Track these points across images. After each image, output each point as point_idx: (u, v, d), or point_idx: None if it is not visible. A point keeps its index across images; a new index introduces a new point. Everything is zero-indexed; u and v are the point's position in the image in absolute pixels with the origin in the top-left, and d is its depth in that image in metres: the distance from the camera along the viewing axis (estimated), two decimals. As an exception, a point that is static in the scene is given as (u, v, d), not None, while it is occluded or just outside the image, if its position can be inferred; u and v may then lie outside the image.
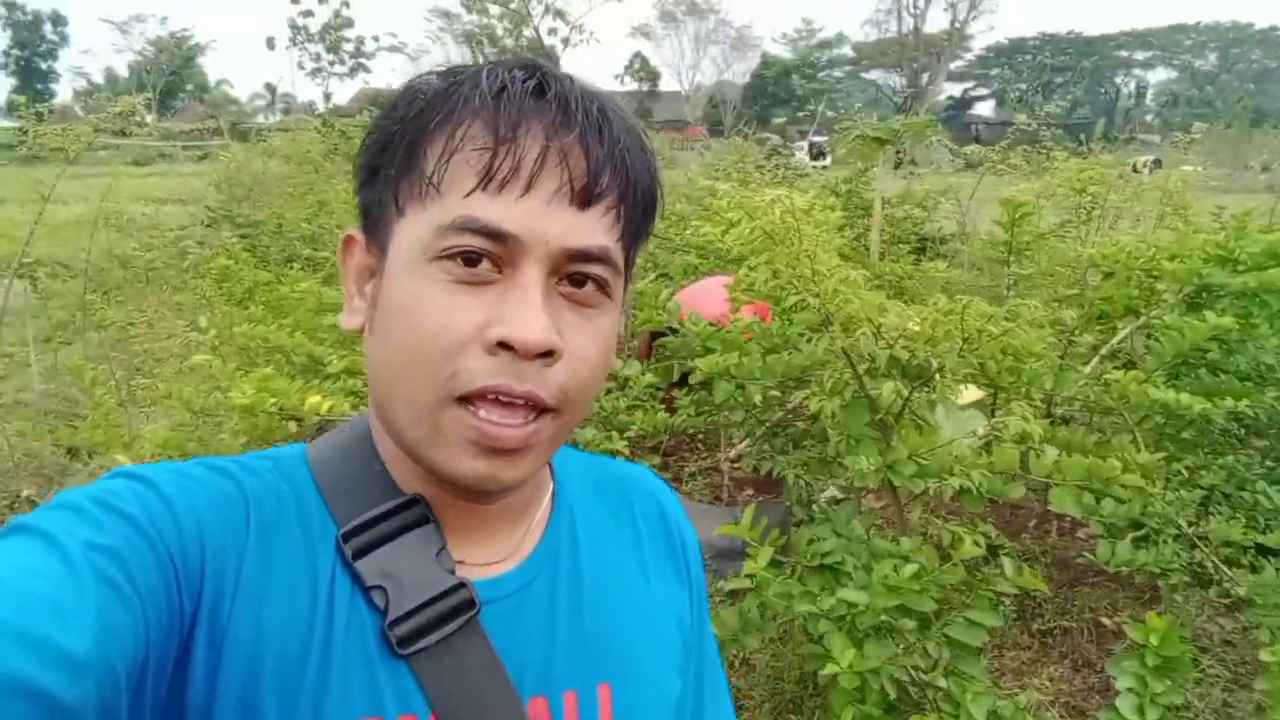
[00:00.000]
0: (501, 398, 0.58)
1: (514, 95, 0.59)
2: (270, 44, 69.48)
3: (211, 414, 3.60)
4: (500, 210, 0.58)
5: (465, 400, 0.59)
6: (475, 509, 0.67)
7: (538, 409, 0.60)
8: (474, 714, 0.61)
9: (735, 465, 3.38)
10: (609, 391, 3.48)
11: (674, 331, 2.81)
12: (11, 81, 60.17)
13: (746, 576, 2.03)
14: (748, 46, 65.77)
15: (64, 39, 64.08)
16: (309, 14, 63.12)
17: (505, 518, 0.69)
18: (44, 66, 62.85)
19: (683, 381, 2.81)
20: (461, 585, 0.63)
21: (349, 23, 65.00)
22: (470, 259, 0.58)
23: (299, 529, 0.62)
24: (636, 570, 0.75)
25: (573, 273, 0.61)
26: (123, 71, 61.73)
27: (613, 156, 0.60)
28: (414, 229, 0.60)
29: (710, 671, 0.81)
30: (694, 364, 2.42)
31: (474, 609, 0.63)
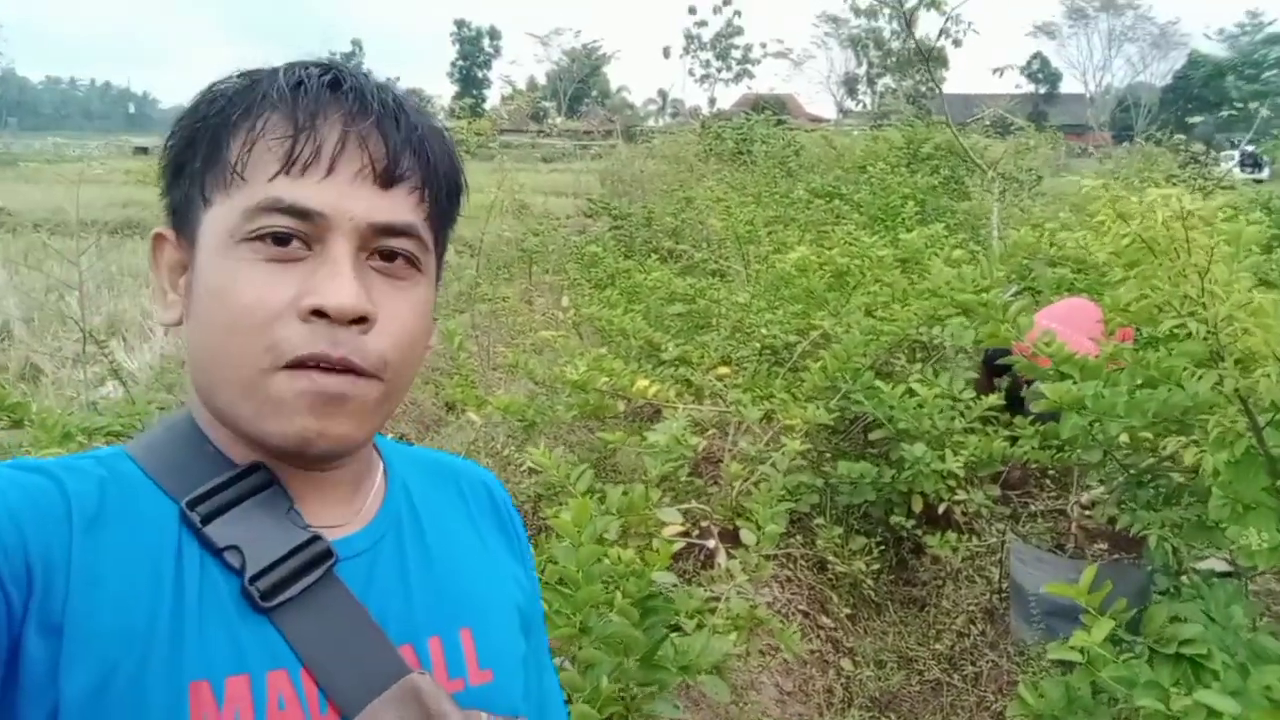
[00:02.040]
0: (321, 364, 0.60)
1: (311, 89, 0.63)
2: (665, 53, 74.12)
3: (551, 386, 3.85)
4: (304, 190, 0.61)
5: (288, 368, 0.60)
6: (313, 476, 0.67)
7: (357, 373, 0.62)
8: (346, 662, 0.61)
9: (1087, 513, 2.91)
10: (942, 411, 3.18)
11: (1006, 353, 2.46)
12: (454, 89, 70.42)
13: (1076, 648, 1.71)
14: (1172, 44, 57.80)
15: (498, 51, 73.79)
16: (703, 24, 66.48)
17: (343, 485, 0.70)
18: (480, 75, 72.83)
19: (1015, 405, 2.46)
20: (317, 538, 0.64)
21: (739, 31, 67.46)
22: (280, 238, 0.61)
23: (129, 514, 0.61)
24: (472, 534, 0.78)
25: (382, 248, 0.64)
26: (541, 79, 69.61)
27: (411, 141, 0.64)
28: (221, 216, 0.62)
29: (546, 653, 0.84)
30: (1040, 389, 2.09)
31: (332, 559, 0.64)
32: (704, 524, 3.22)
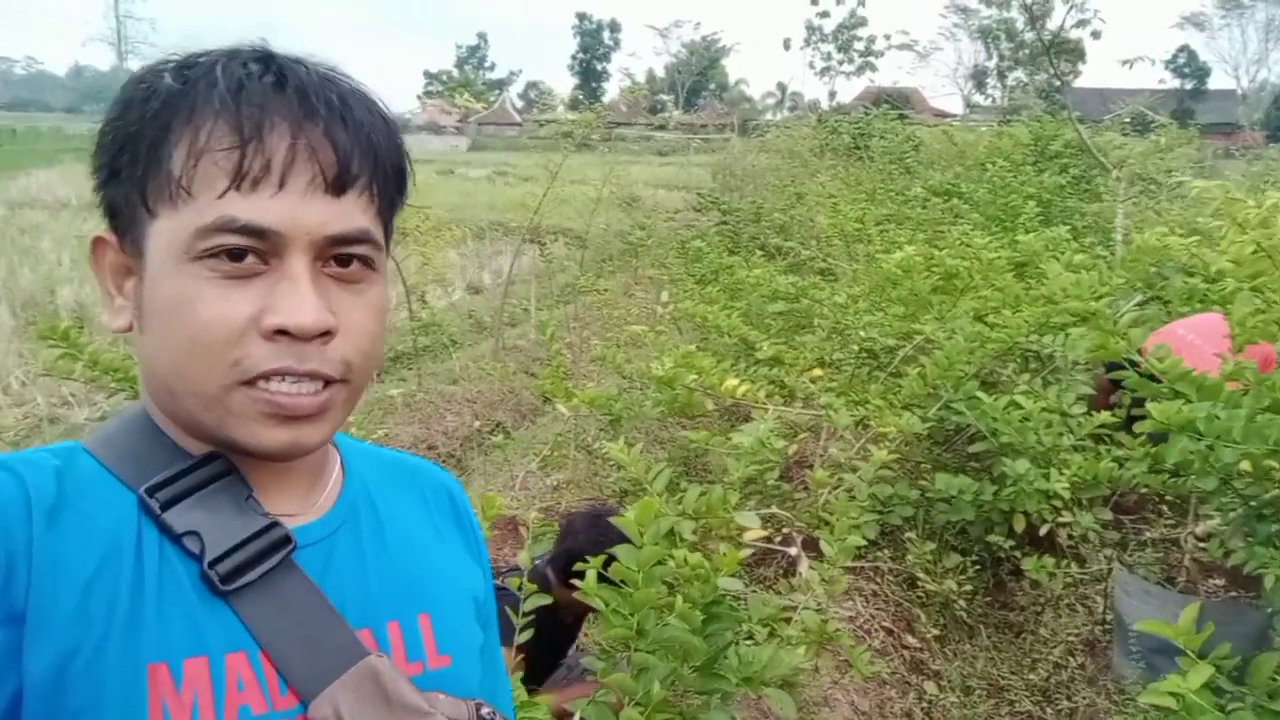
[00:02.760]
0: (288, 377, 0.60)
1: (253, 92, 0.60)
2: (786, 45, 73.25)
3: (639, 381, 3.82)
4: (256, 207, 0.59)
5: (250, 383, 0.60)
6: (272, 467, 0.67)
7: (325, 381, 0.62)
8: (304, 645, 0.62)
9: (1202, 544, 2.68)
10: (1049, 425, 2.99)
11: (1133, 365, 2.28)
12: (574, 81, 71.35)
13: (1169, 694, 1.56)
14: (1342, 35, 53.21)
15: (617, 44, 74.36)
16: (825, 15, 65.24)
17: (301, 476, 0.70)
18: (599, 68, 73.59)
19: (1133, 425, 2.28)
20: (275, 524, 0.65)
21: (862, 22, 65.87)
22: (235, 254, 0.59)
23: (87, 503, 0.62)
24: (429, 528, 0.78)
25: (337, 254, 0.63)
26: (660, 72, 69.76)
27: (360, 142, 0.62)
28: (170, 231, 0.60)
29: (497, 649, 0.84)
30: (1147, 409, 1.93)
31: (290, 544, 0.64)
32: (787, 530, 3.14)
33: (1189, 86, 55.52)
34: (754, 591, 2.92)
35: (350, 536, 0.71)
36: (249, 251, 0.60)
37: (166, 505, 0.62)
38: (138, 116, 0.61)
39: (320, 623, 0.63)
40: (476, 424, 4.71)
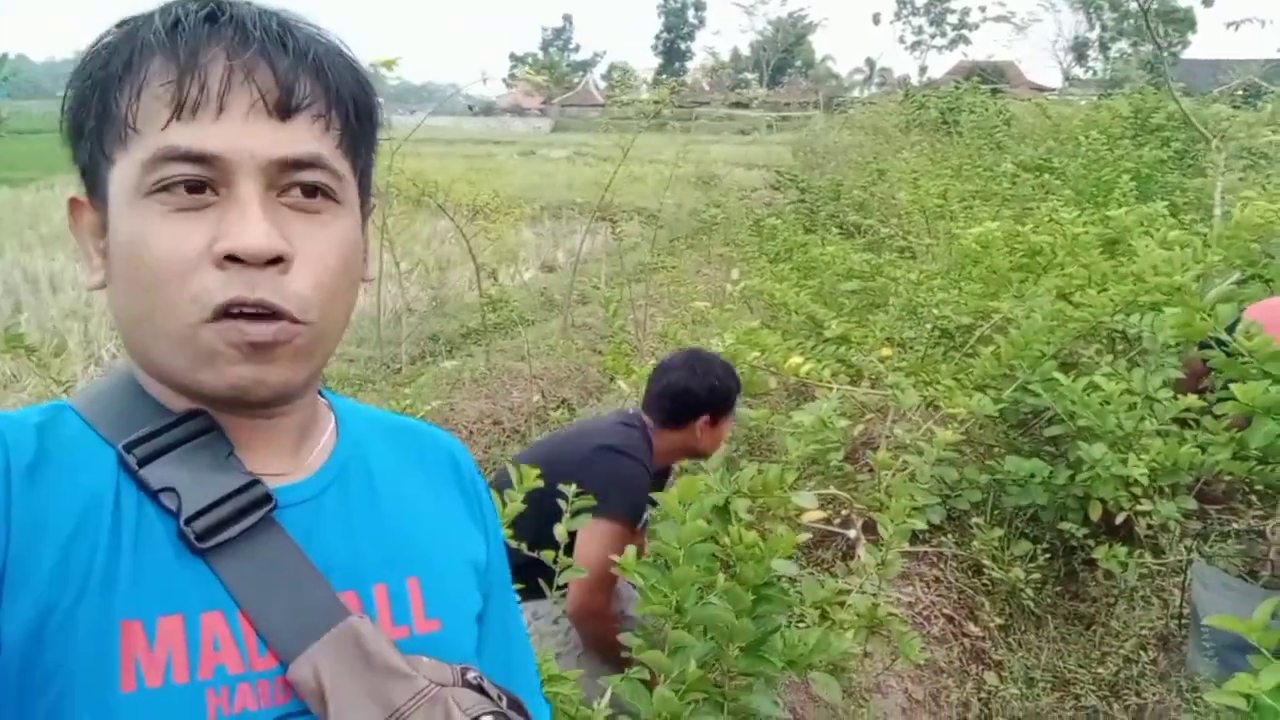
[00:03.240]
0: (245, 310, 0.59)
1: (188, 26, 0.60)
2: (875, 19, 71.14)
3: (700, 358, 3.77)
4: (198, 134, 0.59)
5: (214, 319, 0.59)
6: (258, 424, 0.67)
7: (282, 318, 0.60)
8: (283, 605, 0.61)
9: (1292, 537, 2.50)
10: (1131, 408, 2.83)
11: (1221, 345, 2.13)
12: (658, 61, 71.00)
13: (1240, 694, 1.46)
14: None
15: (702, 22, 73.67)
16: (919, -13, 63.28)
17: (288, 434, 0.69)
18: (683, 47, 73.06)
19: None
20: (256, 482, 0.64)
21: (958, -7, 63.67)
22: (188, 186, 0.59)
23: (67, 459, 0.61)
24: (427, 489, 0.77)
25: (295, 182, 0.61)
26: (745, 50, 68.86)
27: (303, 66, 0.61)
28: (123, 171, 0.60)
29: (516, 622, 0.83)
30: (1229, 391, 1.79)
31: (270, 503, 0.64)
32: (847, 512, 3.06)
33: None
34: (810, 574, 2.86)
35: (338, 496, 0.70)
36: (197, 182, 0.59)
37: (144, 461, 0.62)
38: (89, 71, 0.62)
39: (302, 583, 0.63)
40: (539, 400, 4.73)
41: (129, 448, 0.62)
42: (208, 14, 0.61)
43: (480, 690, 0.66)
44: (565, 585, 1.92)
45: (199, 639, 0.59)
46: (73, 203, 0.67)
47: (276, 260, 0.60)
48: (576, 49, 78.49)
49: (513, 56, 77.36)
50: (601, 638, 2.04)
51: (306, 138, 0.61)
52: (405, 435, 0.80)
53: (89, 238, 0.66)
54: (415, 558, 0.71)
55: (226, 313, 0.59)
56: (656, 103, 6.36)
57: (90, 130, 0.62)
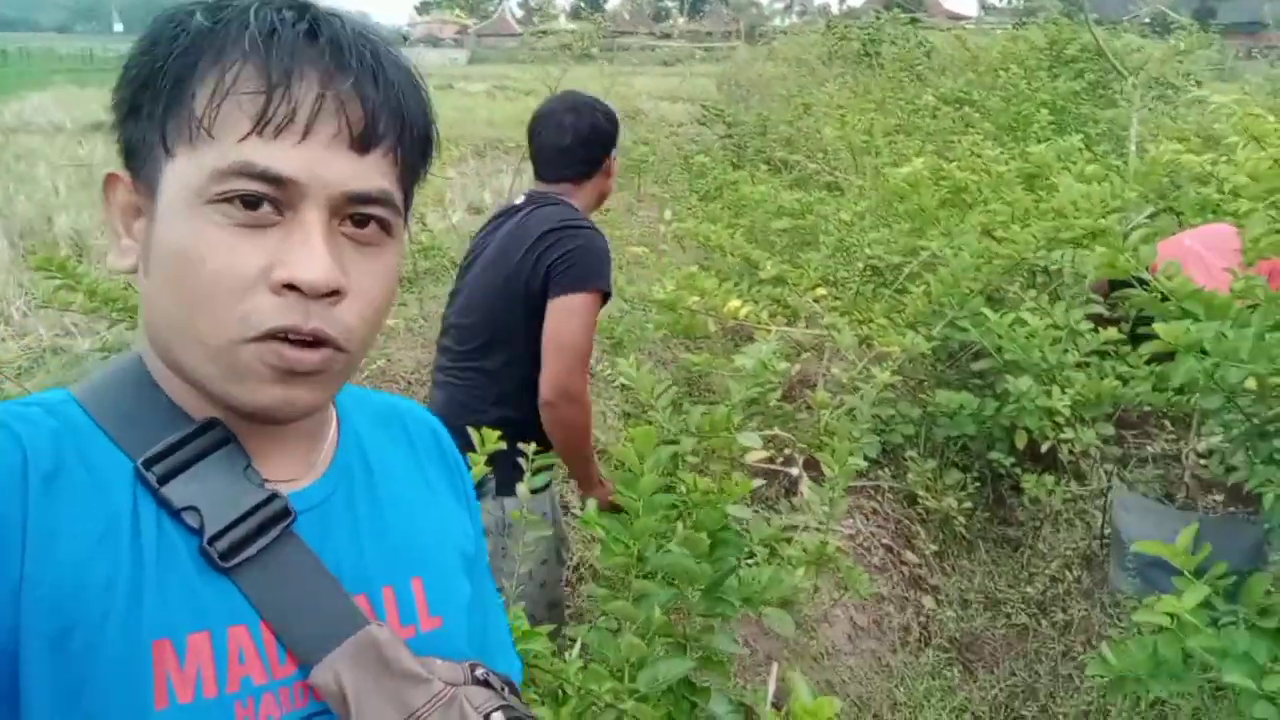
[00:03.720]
0: (291, 336, 0.59)
1: (285, 39, 0.58)
2: (796, -54, 70.46)
3: (639, 304, 3.79)
4: (277, 155, 0.58)
5: (257, 339, 0.59)
6: (270, 431, 0.66)
7: (328, 345, 0.61)
8: (305, 615, 0.62)
9: (1203, 461, 2.68)
10: (1054, 342, 2.96)
11: (1142, 284, 2.24)
12: (577, -11, 69.17)
13: (1166, 613, 1.58)
14: (1377, -75, 50.82)
15: (621, -51, 71.71)
16: (837, -87, 62.63)
17: (299, 439, 0.70)
18: (603, -26, 71.18)
19: (1135, 340, 2.25)
20: (275, 496, 0.64)
21: (875, -80, 63.43)
22: (249, 202, 0.58)
23: (83, 468, 0.60)
24: (421, 482, 0.79)
25: (354, 214, 0.61)
26: (664, -23, 67.38)
27: (389, 101, 0.61)
28: (186, 171, 0.59)
29: (490, 592, 0.86)
30: (1153, 329, 1.89)
31: (290, 517, 0.64)
32: (789, 451, 3.15)
33: (1213, -17, 53.44)
34: (756, 511, 2.95)
35: (345, 500, 0.71)
36: (264, 200, 0.58)
37: (165, 478, 0.61)
38: (165, 53, 0.60)
39: (320, 592, 0.64)
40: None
41: (148, 464, 0.61)
42: (307, 29, 0.59)
43: (488, 685, 0.68)
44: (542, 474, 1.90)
45: (225, 653, 0.60)
46: (110, 178, 0.65)
47: (332, 293, 0.60)
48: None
49: (424, -16, 74.44)
50: (576, 426, 1.97)
51: (377, 173, 0.62)
52: (394, 419, 0.81)
53: (121, 216, 0.65)
54: (417, 558, 0.73)
55: (269, 337, 0.59)
56: (583, 38, 6.21)
57: (152, 114, 0.60)
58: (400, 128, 0.63)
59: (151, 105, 0.60)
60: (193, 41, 0.59)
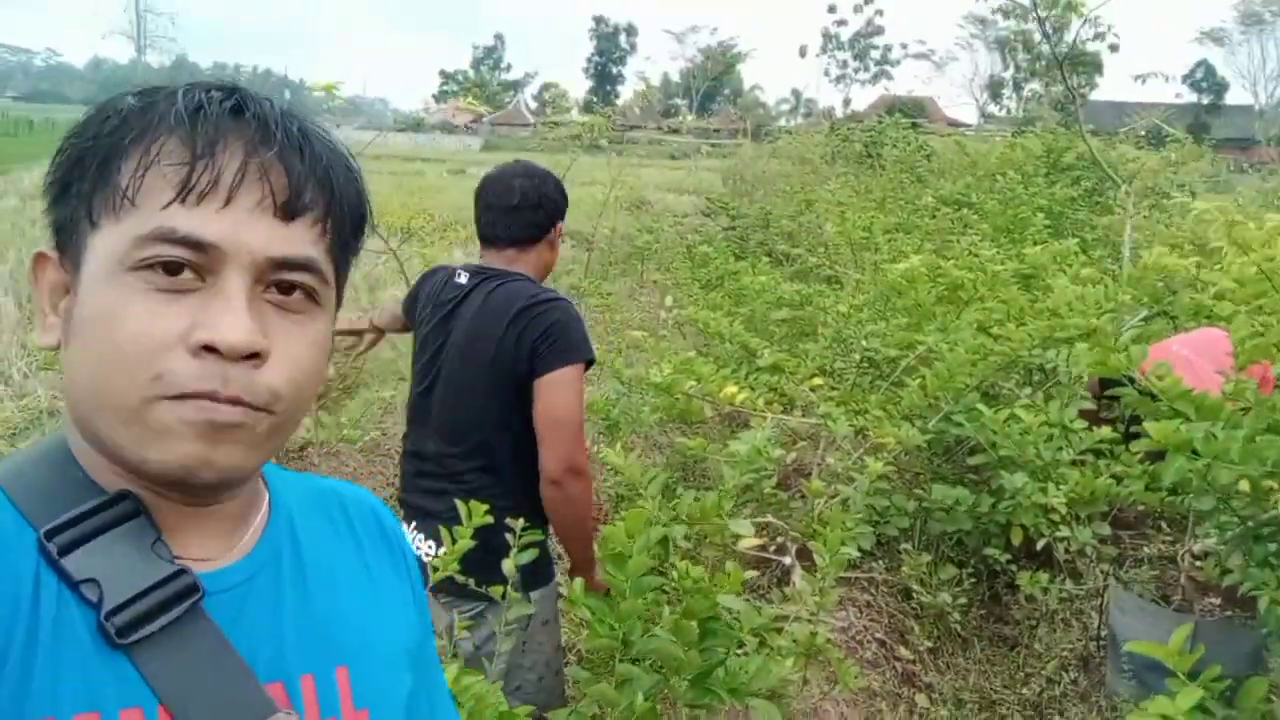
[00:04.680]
0: (208, 401, 0.58)
1: (211, 114, 0.60)
2: (802, 52, 73.02)
3: (636, 387, 3.81)
4: (199, 221, 0.58)
5: (172, 399, 0.58)
6: (191, 510, 0.64)
7: (249, 408, 0.59)
8: (207, 700, 0.59)
9: (1198, 563, 2.66)
10: (1049, 439, 2.97)
11: (1133, 382, 2.26)
12: (589, 83, 71.44)
13: (1158, 715, 1.54)
14: (1362, 52, 52.79)
15: (633, 47, 74.47)
16: (842, 23, 65.24)
17: (222, 520, 0.67)
18: (615, 71, 73.65)
19: (1130, 440, 2.26)
20: (183, 571, 0.61)
21: (879, 30, 65.83)
22: (171, 268, 0.58)
23: None
24: (359, 567, 0.75)
25: (278, 281, 0.61)
26: (675, 76, 69.77)
27: (315, 172, 0.62)
28: (109, 240, 0.59)
29: (439, 683, 0.83)
30: (1144, 428, 1.90)
31: (197, 594, 0.61)
32: (781, 539, 3.12)
33: (1206, 101, 55.27)
34: (747, 600, 2.90)
35: (269, 581, 0.67)
36: (185, 265, 0.58)
37: (66, 549, 0.59)
38: (94, 134, 0.61)
39: (226, 676, 0.61)
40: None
41: (50, 534, 0.59)
42: (233, 107, 0.61)
43: None
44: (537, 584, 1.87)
45: None
46: (39, 257, 0.65)
47: (252, 355, 0.59)
48: (508, 68, 78.45)
49: (443, 73, 76.95)
50: (582, 502, 1.93)
51: (304, 241, 0.62)
52: (333, 502, 0.78)
53: (49, 294, 0.65)
54: (344, 646, 0.69)
55: (184, 394, 0.58)
56: (592, 129, 6.41)
57: (80, 191, 0.61)
58: (329, 200, 0.63)
59: (80, 183, 0.61)
60: (123, 121, 0.61)
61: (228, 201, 0.59)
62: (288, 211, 0.61)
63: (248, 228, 0.59)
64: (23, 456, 0.65)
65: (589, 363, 1.92)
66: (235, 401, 0.59)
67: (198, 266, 0.59)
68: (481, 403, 1.92)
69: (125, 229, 0.59)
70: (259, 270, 0.60)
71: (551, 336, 1.85)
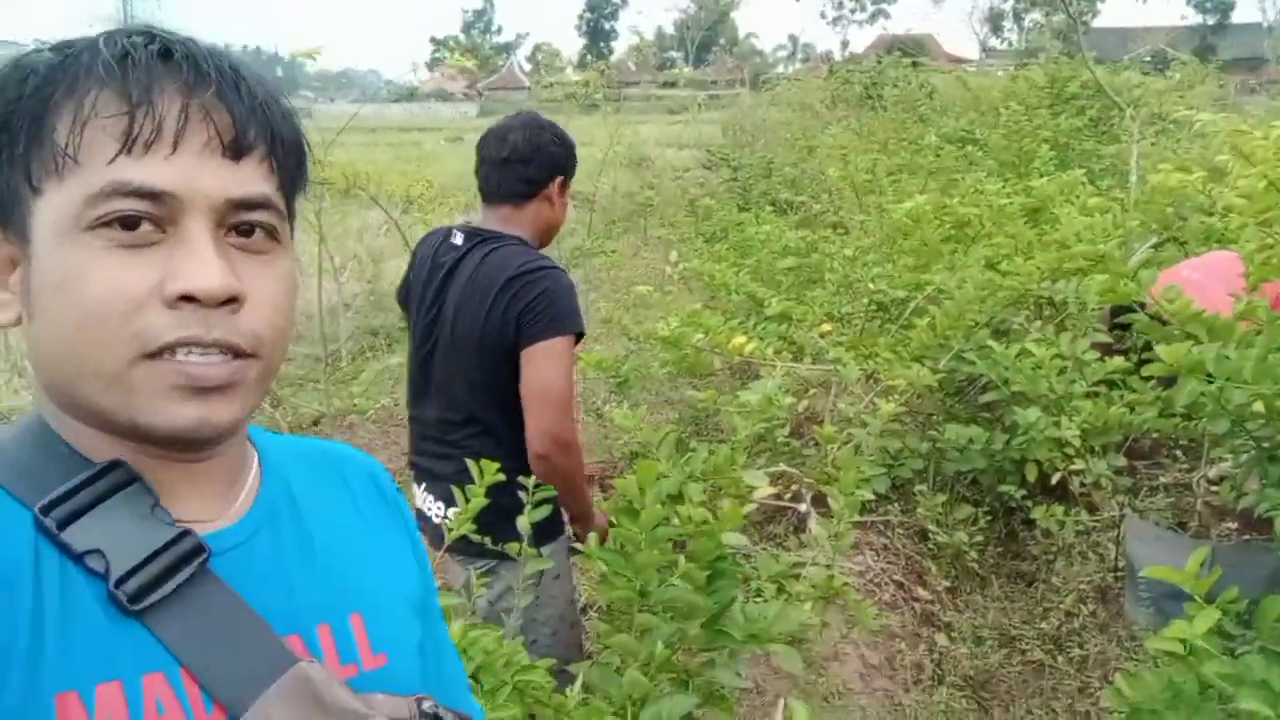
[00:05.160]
0: (195, 348, 0.57)
1: (140, 60, 0.58)
2: (798, -5, 71.86)
3: (645, 342, 3.80)
4: (149, 170, 0.57)
5: (156, 355, 0.57)
6: (183, 470, 0.63)
7: (235, 353, 0.59)
8: (227, 658, 0.59)
9: (1214, 488, 2.64)
10: (1061, 372, 2.94)
11: (1142, 308, 2.23)
12: (582, 41, 70.43)
13: (1177, 639, 1.54)
14: (1372, -39, 51.37)
15: (625, 2, 73.32)
16: (837, -38, 63.93)
17: (215, 478, 0.66)
18: (607, 27, 72.54)
19: (1143, 366, 2.24)
20: (186, 533, 0.60)
21: (875, -32, 64.52)
22: (128, 222, 0.57)
23: None
24: (357, 519, 0.75)
25: (239, 223, 0.60)
26: (669, 29, 68.73)
27: (255, 109, 0.61)
28: (57, 204, 0.57)
29: (444, 636, 0.83)
30: (1156, 353, 1.88)
31: (204, 554, 0.60)
32: (796, 487, 3.13)
33: (1212, 22, 54.08)
34: (764, 549, 2.92)
35: (270, 539, 0.67)
36: (143, 218, 0.57)
37: (64, 523, 0.58)
38: (16, 95, 0.58)
39: (244, 632, 0.60)
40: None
41: (46, 509, 0.58)
42: (160, 50, 0.59)
43: (437, 719, 0.66)
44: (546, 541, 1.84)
45: (140, 704, 0.56)
46: None
47: (230, 300, 0.58)
48: (499, 31, 77.45)
49: (434, 40, 76.09)
50: (571, 473, 1.91)
51: (256, 178, 0.61)
52: (327, 461, 0.78)
53: None
54: (355, 594, 0.69)
55: (168, 351, 0.57)
56: (586, 85, 6.32)
57: (13, 157, 0.58)
58: (270, 136, 0.62)
59: (10, 149, 0.58)
60: (44, 79, 0.58)
61: (175, 147, 0.57)
62: (236, 150, 0.59)
63: (199, 171, 0.58)
64: (2, 437, 0.63)
65: (579, 335, 1.88)
66: (220, 345, 0.58)
67: (156, 218, 0.57)
68: (475, 372, 1.90)
69: (73, 189, 0.57)
70: (218, 214, 0.59)
71: (538, 308, 1.80)
